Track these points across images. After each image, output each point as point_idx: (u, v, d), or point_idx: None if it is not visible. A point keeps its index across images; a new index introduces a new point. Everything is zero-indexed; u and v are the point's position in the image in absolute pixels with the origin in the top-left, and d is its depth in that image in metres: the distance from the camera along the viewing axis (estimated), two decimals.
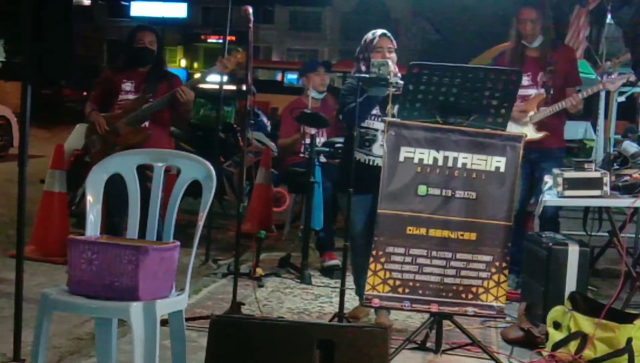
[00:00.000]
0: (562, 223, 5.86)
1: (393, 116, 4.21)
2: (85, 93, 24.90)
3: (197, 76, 5.71)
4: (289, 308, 5.00)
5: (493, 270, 3.98)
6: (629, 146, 5.19)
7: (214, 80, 5.80)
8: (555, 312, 4.20)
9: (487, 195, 3.97)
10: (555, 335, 4.14)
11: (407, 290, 3.97)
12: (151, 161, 3.49)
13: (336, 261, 5.87)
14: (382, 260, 3.96)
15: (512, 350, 4.29)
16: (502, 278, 3.98)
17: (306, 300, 5.23)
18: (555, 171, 4.58)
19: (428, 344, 4.15)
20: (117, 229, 4.95)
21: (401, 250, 3.97)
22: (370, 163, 4.47)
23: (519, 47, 5.58)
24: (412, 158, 3.97)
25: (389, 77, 4.11)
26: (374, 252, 3.97)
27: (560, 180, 4.49)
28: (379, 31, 4.59)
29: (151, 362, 3.01)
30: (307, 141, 6.05)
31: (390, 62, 4.29)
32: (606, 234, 5.78)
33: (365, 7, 41.49)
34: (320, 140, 6.36)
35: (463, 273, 3.98)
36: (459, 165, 3.97)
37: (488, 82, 3.95)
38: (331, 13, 43.53)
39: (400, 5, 39.60)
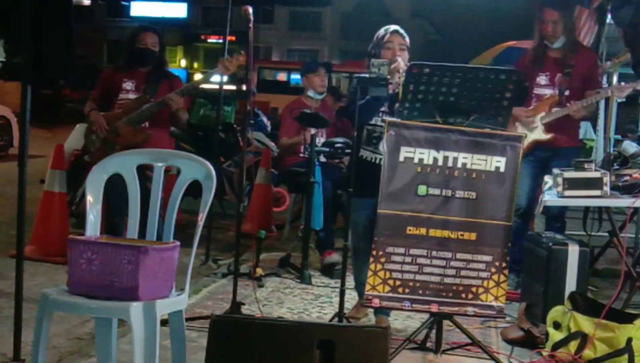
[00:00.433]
0: None
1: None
2: (85, 93, 24.90)
3: (196, 77, 5.72)
4: (289, 308, 5.00)
5: (493, 270, 3.97)
6: (629, 146, 5.19)
7: (213, 80, 5.80)
8: (555, 312, 4.20)
9: (487, 195, 3.97)
10: (555, 335, 4.14)
11: (407, 290, 3.97)
12: (151, 161, 3.49)
13: (336, 257, 5.85)
14: (382, 260, 3.96)
15: (512, 350, 4.29)
16: (502, 278, 3.98)
17: (306, 300, 5.23)
18: (555, 171, 4.58)
19: (428, 344, 4.16)
20: (117, 229, 4.96)
21: (401, 250, 3.96)
22: (377, 161, 4.40)
23: (541, 47, 5.58)
24: (412, 158, 3.96)
25: (389, 77, 4.10)
26: (374, 252, 3.97)
27: (560, 180, 4.49)
28: (391, 27, 4.52)
29: (151, 362, 3.01)
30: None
31: (400, 60, 4.28)
32: (606, 234, 5.78)
33: (365, 7, 41.51)
34: (320, 140, 6.36)
35: (463, 273, 3.98)
36: (459, 165, 3.96)
37: (488, 82, 3.94)
38: (331, 13, 43.53)
39: (400, 5, 39.62)
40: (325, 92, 6.82)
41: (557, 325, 4.16)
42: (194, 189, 3.38)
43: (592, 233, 5.67)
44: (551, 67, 5.54)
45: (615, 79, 8.99)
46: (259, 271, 5.52)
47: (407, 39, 4.52)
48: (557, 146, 5.48)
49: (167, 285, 3.17)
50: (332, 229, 6.20)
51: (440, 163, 3.96)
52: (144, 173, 3.61)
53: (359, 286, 4.47)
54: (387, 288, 3.97)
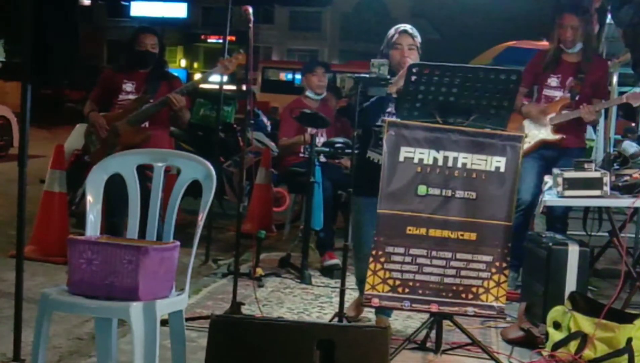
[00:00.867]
0: None
1: None
2: (85, 93, 24.96)
3: (196, 77, 5.73)
4: (289, 308, 5.00)
5: (493, 270, 3.97)
6: (629, 146, 5.19)
7: (213, 80, 5.80)
8: (555, 312, 4.20)
9: (487, 195, 3.97)
10: (555, 335, 4.14)
11: (407, 290, 3.97)
12: (151, 161, 3.49)
13: (336, 261, 5.87)
14: (382, 259, 3.96)
15: (512, 350, 4.29)
16: (503, 278, 3.98)
17: (306, 300, 5.23)
18: (555, 170, 4.58)
19: (428, 344, 4.15)
20: (117, 229, 4.96)
21: (401, 250, 3.96)
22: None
23: (557, 50, 5.57)
24: (412, 158, 3.96)
25: (388, 76, 4.10)
26: (373, 252, 3.97)
27: (560, 180, 4.49)
28: (401, 27, 4.48)
29: (151, 362, 3.01)
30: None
31: (409, 61, 4.25)
32: (606, 234, 5.78)
33: (365, 7, 41.53)
34: (320, 140, 6.36)
35: (463, 273, 3.97)
36: (459, 165, 3.96)
37: (488, 82, 3.94)
38: (331, 13, 43.55)
39: (400, 5, 39.62)
40: (325, 92, 6.81)
41: (557, 325, 4.16)
42: (194, 189, 3.38)
43: (592, 233, 5.68)
44: (564, 70, 5.54)
45: (615, 79, 8.99)
46: (259, 271, 5.52)
47: (418, 39, 4.47)
48: (564, 146, 5.50)
49: (167, 285, 3.17)
50: (332, 229, 6.20)
51: (440, 163, 3.96)
52: (144, 173, 3.61)
53: (361, 284, 4.46)
54: (387, 288, 3.96)
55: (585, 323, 4.06)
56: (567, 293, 4.36)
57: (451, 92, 3.94)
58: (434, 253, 3.97)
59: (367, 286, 3.98)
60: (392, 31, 4.50)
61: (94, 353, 3.64)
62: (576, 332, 4.06)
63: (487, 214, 3.97)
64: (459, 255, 3.97)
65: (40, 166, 7.72)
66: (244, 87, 6.45)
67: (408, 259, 3.97)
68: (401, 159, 3.96)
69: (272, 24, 43.02)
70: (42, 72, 25.13)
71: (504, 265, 3.98)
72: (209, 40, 43.37)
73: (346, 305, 4.47)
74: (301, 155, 6.45)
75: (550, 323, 4.20)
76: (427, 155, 3.96)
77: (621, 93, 9.76)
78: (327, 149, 6.21)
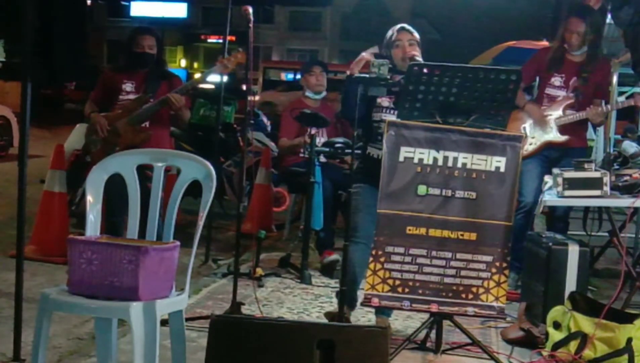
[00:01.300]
0: None
1: None
2: (85, 93, 24.98)
3: (196, 76, 5.72)
4: (289, 308, 5.00)
5: (493, 270, 3.97)
6: (629, 146, 5.20)
7: (213, 80, 5.80)
8: (555, 312, 4.20)
9: (487, 195, 3.97)
10: (555, 335, 4.14)
11: (406, 290, 3.97)
12: (151, 161, 3.49)
13: (336, 256, 5.84)
14: (382, 259, 3.96)
15: (512, 350, 4.29)
16: (503, 278, 3.98)
17: (306, 300, 5.23)
18: (555, 170, 4.58)
19: (428, 344, 4.15)
20: (117, 229, 4.96)
21: (401, 250, 3.96)
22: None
23: (561, 50, 5.54)
24: (412, 158, 3.96)
25: (388, 76, 4.10)
26: (373, 252, 3.97)
27: (560, 180, 4.49)
28: (398, 26, 4.54)
29: (151, 362, 3.01)
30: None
31: (414, 53, 4.30)
32: (606, 234, 5.78)
33: (365, 7, 41.53)
34: (320, 140, 6.36)
35: (463, 273, 3.97)
36: (459, 165, 3.96)
37: (488, 82, 3.94)
38: (331, 13, 43.57)
39: (400, 5, 39.63)
40: (325, 92, 6.81)
41: (557, 325, 4.16)
42: (194, 189, 3.38)
43: (592, 233, 5.68)
44: (567, 70, 5.53)
45: (615, 79, 8.99)
46: (259, 271, 5.52)
47: (416, 34, 4.52)
48: (567, 146, 5.49)
49: (167, 285, 3.17)
50: (332, 229, 6.20)
51: (440, 162, 3.96)
52: (144, 173, 3.61)
53: (352, 283, 4.43)
54: (387, 288, 3.97)
55: (585, 323, 4.06)
56: (567, 293, 4.35)
57: (451, 92, 3.94)
58: (434, 253, 3.97)
59: (366, 286, 3.98)
60: (389, 32, 4.56)
61: (94, 353, 3.64)
62: (576, 332, 4.06)
63: (487, 214, 3.97)
64: (459, 255, 3.97)
65: (40, 166, 7.74)
66: (243, 87, 6.46)
67: (408, 259, 3.97)
68: (401, 159, 3.96)
69: (272, 24, 43.05)
70: (47, 71, 25.17)
71: (504, 265, 3.98)
72: (209, 40, 43.40)
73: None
74: (301, 155, 6.45)
75: (550, 323, 4.20)
76: (427, 155, 3.96)
77: (621, 93, 9.78)
78: (327, 149, 6.21)
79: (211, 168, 3.33)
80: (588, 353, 4.01)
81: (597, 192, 4.47)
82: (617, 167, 4.91)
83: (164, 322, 3.18)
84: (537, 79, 5.78)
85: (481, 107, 3.99)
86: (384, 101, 4.41)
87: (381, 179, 3.97)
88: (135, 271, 2.99)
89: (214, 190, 3.27)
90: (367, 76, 4.09)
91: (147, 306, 3.01)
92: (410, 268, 3.97)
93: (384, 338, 2.99)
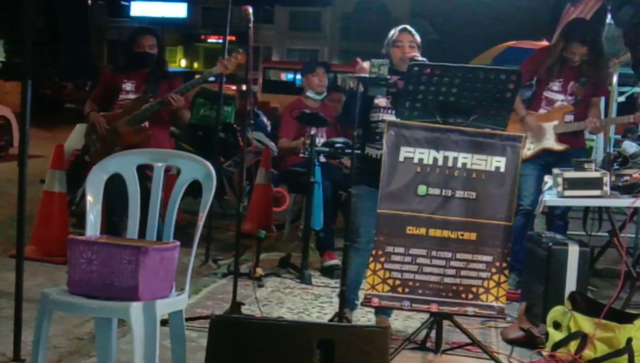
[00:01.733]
0: None
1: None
2: (85, 93, 25.00)
3: (196, 77, 5.72)
4: (289, 308, 5.00)
5: (493, 270, 3.97)
6: (629, 146, 5.20)
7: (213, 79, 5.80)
8: (555, 312, 4.20)
9: (487, 195, 3.97)
10: (555, 335, 4.14)
11: (406, 290, 3.97)
12: (151, 161, 3.49)
13: (336, 261, 5.87)
14: (382, 259, 3.96)
15: (512, 350, 4.29)
16: (503, 278, 3.98)
17: (306, 300, 5.23)
18: (555, 170, 4.58)
19: (428, 344, 4.15)
20: (117, 229, 4.95)
21: (401, 250, 3.96)
22: (381, 157, 4.37)
23: (560, 60, 5.52)
24: (412, 158, 3.96)
25: (388, 76, 4.10)
26: (373, 252, 3.97)
27: (560, 180, 4.49)
28: (401, 26, 4.57)
29: (151, 362, 3.01)
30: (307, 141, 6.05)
31: (413, 54, 4.32)
32: (606, 234, 5.79)
33: (365, 7, 41.50)
34: (320, 140, 6.36)
35: (463, 273, 3.97)
36: (459, 165, 3.96)
37: (488, 82, 3.94)
38: (331, 13, 43.53)
39: (400, 5, 39.61)
40: (325, 92, 6.81)
41: (557, 325, 4.16)
42: (194, 189, 3.38)
43: (592, 233, 5.68)
44: (566, 74, 5.52)
45: (615, 79, 9.00)
46: (259, 271, 5.52)
47: (417, 37, 4.54)
48: (565, 150, 5.49)
49: (167, 285, 3.17)
50: (332, 229, 6.21)
51: (440, 162, 3.96)
52: (144, 173, 3.61)
53: (354, 284, 4.47)
54: (387, 288, 3.97)
55: (585, 323, 4.06)
56: (567, 293, 4.36)
57: (451, 92, 3.94)
58: (433, 253, 3.97)
59: (366, 286, 3.99)
60: (391, 32, 4.58)
61: (94, 353, 3.64)
62: (576, 332, 4.06)
63: (487, 214, 3.97)
64: (459, 255, 3.97)
65: (40, 166, 7.73)
66: (244, 87, 6.45)
67: (408, 259, 3.97)
68: (401, 159, 3.96)
69: (272, 24, 43.01)
70: (48, 71, 25.18)
71: (504, 265, 3.98)
72: (209, 40, 43.37)
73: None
74: (301, 155, 6.45)
75: (550, 323, 4.20)
76: (427, 155, 3.96)
77: (621, 93, 9.79)
78: (327, 149, 6.21)
79: (211, 168, 3.33)
80: (588, 353, 4.01)
81: (597, 192, 4.47)
82: (617, 167, 4.91)
83: (164, 322, 3.18)
84: (535, 79, 5.77)
85: (481, 107, 3.99)
86: (382, 102, 4.42)
87: (381, 179, 3.97)
88: (135, 271, 2.99)
89: (214, 190, 3.27)
90: (367, 75, 4.10)
91: (147, 306, 3.01)
92: (410, 268, 3.97)
93: (384, 338, 2.99)
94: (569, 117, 5.50)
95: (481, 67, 4.21)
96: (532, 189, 5.43)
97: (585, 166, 4.54)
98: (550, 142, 5.51)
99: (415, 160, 3.96)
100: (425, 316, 4.19)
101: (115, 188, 3.51)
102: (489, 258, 3.97)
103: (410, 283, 3.97)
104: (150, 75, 5.42)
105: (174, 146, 6.22)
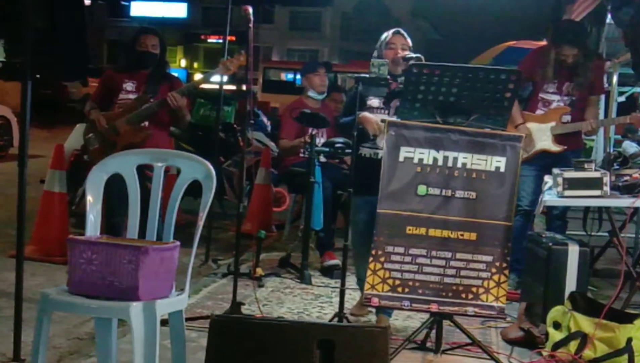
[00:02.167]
0: None
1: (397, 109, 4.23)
2: (85, 93, 25.04)
3: (197, 77, 5.72)
4: (289, 308, 5.00)
5: (493, 270, 3.97)
6: (629, 146, 5.20)
7: (214, 80, 5.80)
8: (555, 312, 4.20)
9: (487, 195, 3.97)
10: (555, 335, 4.14)
11: (406, 290, 3.97)
12: (151, 161, 3.49)
13: (336, 261, 5.87)
14: (382, 259, 3.96)
15: (512, 350, 4.29)
16: (503, 278, 3.98)
17: (306, 300, 5.23)
18: (555, 171, 4.58)
19: (428, 344, 4.16)
20: (117, 229, 4.96)
21: (401, 250, 3.96)
22: (376, 156, 4.38)
23: (553, 59, 5.52)
24: (412, 158, 3.96)
25: (388, 77, 4.11)
26: (373, 252, 3.97)
27: (560, 180, 4.49)
28: (394, 29, 4.61)
29: (151, 362, 3.01)
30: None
31: (405, 54, 4.34)
32: (606, 234, 5.78)
33: (365, 7, 41.50)
34: (320, 140, 6.37)
35: (463, 273, 3.97)
36: (459, 165, 3.96)
37: (488, 82, 3.94)
38: (331, 13, 43.53)
39: (400, 5, 39.62)
40: (326, 92, 6.81)
41: (557, 325, 4.16)
42: (194, 189, 3.38)
43: (592, 233, 5.68)
44: (561, 74, 5.53)
45: (615, 79, 9.00)
46: (259, 271, 5.52)
47: (409, 41, 4.57)
48: (562, 151, 5.49)
49: (167, 285, 3.17)
50: (332, 229, 6.21)
51: (440, 162, 3.96)
52: (144, 173, 3.61)
53: (361, 282, 4.47)
54: (387, 288, 3.97)
55: (585, 323, 4.06)
56: (567, 293, 4.36)
57: (451, 92, 3.94)
58: (433, 253, 3.97)
59: (367, 286, 3.98)
60: (385, 33, 4.61)
61: (94, 353, 3.64)
62: (576, 332, 4.06)
63: (487, 214, 3.97)
64: (459, 255, 3.97)
65: (40, 166, 7.73)
66: (243, 87, 6.45)
67: (408, 259, 3.97)
68: (401, 159, 3.96)
69: (272, 24, 43.00)
70: (48, 70, 25.18)
71: (504, 265, 3.98)
72: (209, 40, 43.36)
73: (347, 304, 4.47)
74: (301, 155, 6.45)
75: (550, 323, 4.20)
76: (427, 155, 3.96)
77: (621, 93, 9.79)
78: (327, 149, 6.21)
79: (211, 168, 3.33)
80: (588, 353, 4.01)
81: (597, 192, 4.47)
82: (617, 167, 4.92)
83: (164, 322, 3.17)
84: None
85: (481, 107, 3.99)
86: (374, 102, 4.44)
87: (381, 179, 3.97)
88: (135, 271, 2.99)
89: (214, 190, 3.27)
90: (367, 76, 4.10)
91: (147, 306, 3.01)
92: (410, 268, 3.97)
93: (384, 338, 2.99)
94: (566, 118, 5.51)
95: (481, 67, 4.21)
96: (530, 190, 5.44)
97: (585, 166, 4.54)
98: (548, 143, 5.52)
99: (415, 160, 3.96)
100: (425, 316, 4.19)
101: (115, 188, 3.51)
102: (489, 258, 3.97)
103: (410, 283, 3.97)
104: (152, 75, 5.43)
105: (174, 146, 6.22)
